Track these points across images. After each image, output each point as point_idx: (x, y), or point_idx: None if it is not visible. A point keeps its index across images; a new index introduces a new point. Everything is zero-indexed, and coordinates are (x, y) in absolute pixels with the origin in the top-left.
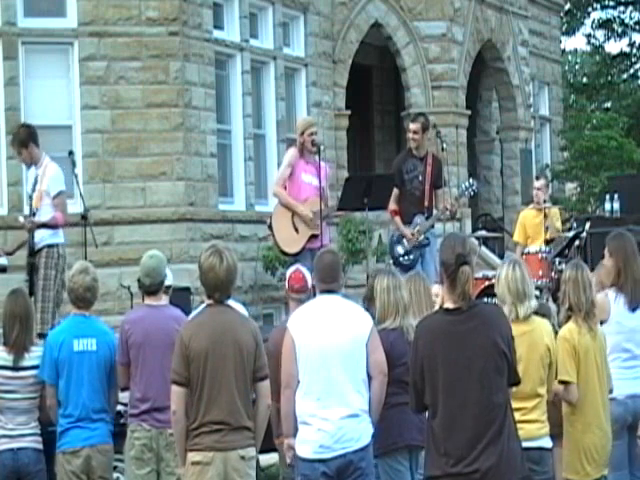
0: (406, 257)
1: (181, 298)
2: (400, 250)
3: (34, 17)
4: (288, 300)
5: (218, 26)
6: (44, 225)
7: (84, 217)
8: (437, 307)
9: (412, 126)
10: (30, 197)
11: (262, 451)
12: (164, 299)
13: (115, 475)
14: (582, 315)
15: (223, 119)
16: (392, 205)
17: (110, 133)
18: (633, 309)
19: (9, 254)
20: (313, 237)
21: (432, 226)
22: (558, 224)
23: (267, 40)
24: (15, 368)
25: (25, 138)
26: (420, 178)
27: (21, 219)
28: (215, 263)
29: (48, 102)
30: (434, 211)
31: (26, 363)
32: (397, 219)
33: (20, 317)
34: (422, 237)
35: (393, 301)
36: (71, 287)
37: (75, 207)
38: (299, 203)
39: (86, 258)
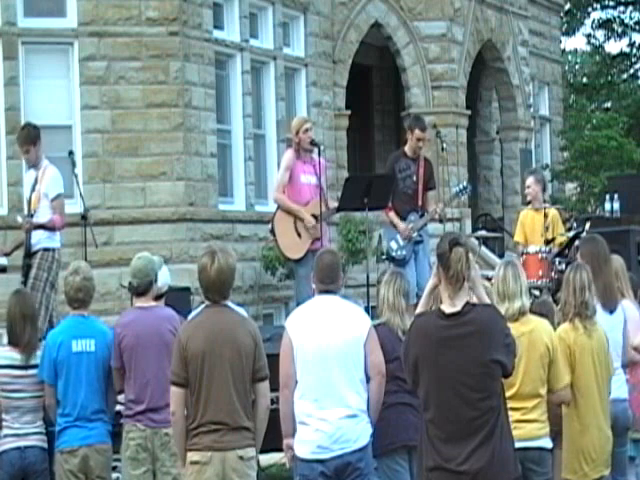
0: (399, 252)
1: (181, 298)
2: (393, 245)
3: (34, 17)
4: None
5: (218, 26)
6: (42, 227)
7: (84, 217)
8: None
9: (421, 134)
10: (28, 199)
11: (262, 451)
12: (157, 302)
13: (115, 475)
14: (570, 316)
15: (223, 119)
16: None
17: (110, 133)
18: (610, 312)
19: (6, 254)
20: (315, 239)
21: (425, 225)
22: (562, 236)
23: (267, 40)
24: (25, 367)
25: (34, 136)
26: (414, 178)
27: (19, 219)
28: (206, 263)
29: (48, 102)
30: (426, 212)
31: (34, 361)
32: (392, 214)
33: (31, 317)
34: (415, 234)
35: (392, 298)
36: (64, 290)
37: (75, 207)
38: (301, 207)
39: (86, 258)
